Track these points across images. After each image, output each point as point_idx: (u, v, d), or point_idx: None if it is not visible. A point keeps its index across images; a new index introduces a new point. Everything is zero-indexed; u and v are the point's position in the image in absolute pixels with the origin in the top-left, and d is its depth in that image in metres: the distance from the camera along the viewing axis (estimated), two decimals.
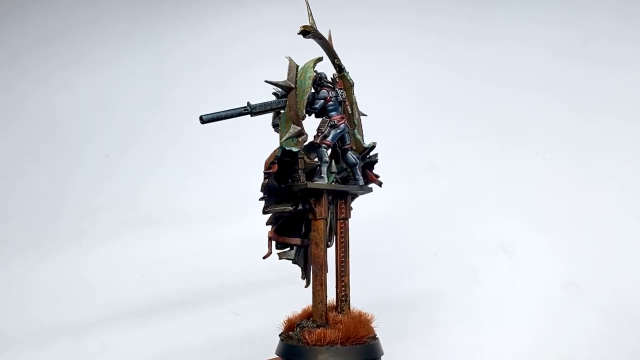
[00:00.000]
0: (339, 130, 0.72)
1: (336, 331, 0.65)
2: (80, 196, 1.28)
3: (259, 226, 1.23)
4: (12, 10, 1.42)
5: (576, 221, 1.16)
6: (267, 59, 1.32)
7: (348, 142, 0.73)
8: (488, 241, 1.17)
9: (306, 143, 0.69)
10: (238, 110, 0.69)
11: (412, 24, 1.30)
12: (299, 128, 0.68)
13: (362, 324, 0.68)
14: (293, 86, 0.68)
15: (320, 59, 0.72)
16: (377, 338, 0.69)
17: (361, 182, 0.73)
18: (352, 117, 0.75)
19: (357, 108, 0.77)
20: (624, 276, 1.11)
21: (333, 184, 0.73)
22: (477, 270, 1.16)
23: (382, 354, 0.69)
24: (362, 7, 1.32)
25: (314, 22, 0.71)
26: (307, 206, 0.69)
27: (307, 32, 0.69)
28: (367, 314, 0.71)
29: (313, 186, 0.67)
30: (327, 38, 0.74)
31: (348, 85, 0.75)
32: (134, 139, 1.31)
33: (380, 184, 0.77)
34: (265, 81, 0.68)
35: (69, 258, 1.23)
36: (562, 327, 1.09)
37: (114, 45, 1.39)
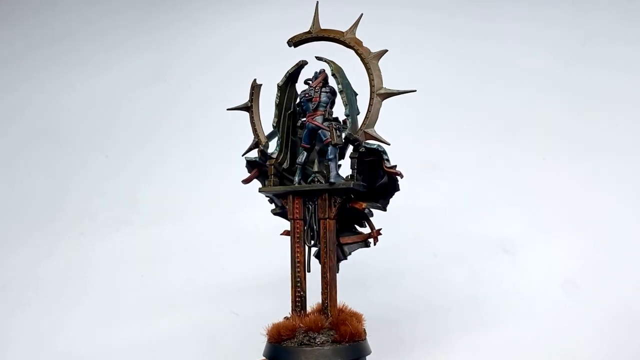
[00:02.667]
0: (305, 130, 0.72)
1: (285, 327, 0.68)
2: (80, 196, 1.28)
3: (259, 226, 1.23)
4: (14, 12, 1.42)
5: (576, 221, 1.16)
6: (269, 59, 1.33)
7: (324, 138, 0.70)
8: (488, 241, 1.17)
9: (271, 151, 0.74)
10: None
11: (412, 24, 1.30)
12: (255, 139, 0.75)
13: (325, 324, 0.67)
14: (249, 105, 0.76)
15: (301, 65, 0.73)
16: (353, 340, 0.67)
17: (331, 179, 0.69)
18: (348, 106, 0.70)
19: (378, 85, 0.70)
20: (624, 276, 1.11)
21: (320, 183, 0.72)
22: (477, 270, 1.15)
23: (369, 353, 0.69)
24: (362, 5, 1.31)
25: (317, 24, 0.72)
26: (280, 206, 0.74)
27: (293, 43, 0.73)
28: (349, 316, 0.70)
29: (263, 190, 0.74)
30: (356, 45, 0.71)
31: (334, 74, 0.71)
32: (133, 139, 1.32)
33: (398, 174, 0.69)
34: (228, 109, 0.77)
35: (69, 257, 1.23)
36: (562, 327, 1.09)
37: (114, 47, 1.39)
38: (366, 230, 0.77)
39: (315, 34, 0.72)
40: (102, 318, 1.17)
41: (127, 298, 1.19)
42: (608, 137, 1.20)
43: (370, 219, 0.75)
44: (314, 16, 0.72)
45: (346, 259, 0.76)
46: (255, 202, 1.22)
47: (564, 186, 1.18)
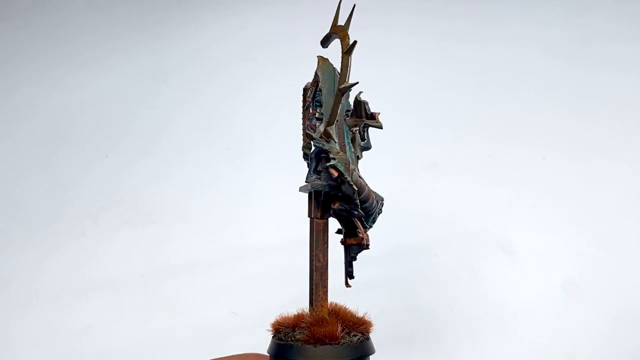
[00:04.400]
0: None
1: (277, 323, 0.69)
2: (81, 196, 1.28)
3: (259, 226, 1.23)
4: (18, 14, 1.42)
5: (576, 221, 1.16)
6: (268, 59, 1.33)
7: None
8: (488, 241, 1.17)
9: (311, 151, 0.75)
10: None
11: (413, 25, 1.31)
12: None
13: (302, 322, 0.68)
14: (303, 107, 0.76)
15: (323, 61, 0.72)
16: (322, 342, 0.65)
17: (311, 178, 0.69)
18: (323, 105, 0.70)
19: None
20: (623, 276, 1.11)
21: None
22: (477, 270, 1.15)
23: (373, 352, 0.68)
24: (362, 10, 1.32)
25: (335, 22, 0.71)
26: None
27: (321, 42, 0.72)
28: (332, 318, 0.68)
29: (301, 190, 0.72)
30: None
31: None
32: (135, 140, 1.32)
33: (332, 173, 0.65)
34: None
35: (69, 258, 1.23)
36: (562, 327, 1.09)
37: (114, 47, 1.39)
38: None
39: (332, 32, 0.73)
40: (102, 318, 1.17)
41: (127, 298, 1.19)
42: (608, 137, 1.20)
43: (363, 220, 0.74)
44: (335, 14, 0.72)
45: (355, 259, 0.76)
46: (256, 202, 1.23)
47: (564, 186, 1.18)
